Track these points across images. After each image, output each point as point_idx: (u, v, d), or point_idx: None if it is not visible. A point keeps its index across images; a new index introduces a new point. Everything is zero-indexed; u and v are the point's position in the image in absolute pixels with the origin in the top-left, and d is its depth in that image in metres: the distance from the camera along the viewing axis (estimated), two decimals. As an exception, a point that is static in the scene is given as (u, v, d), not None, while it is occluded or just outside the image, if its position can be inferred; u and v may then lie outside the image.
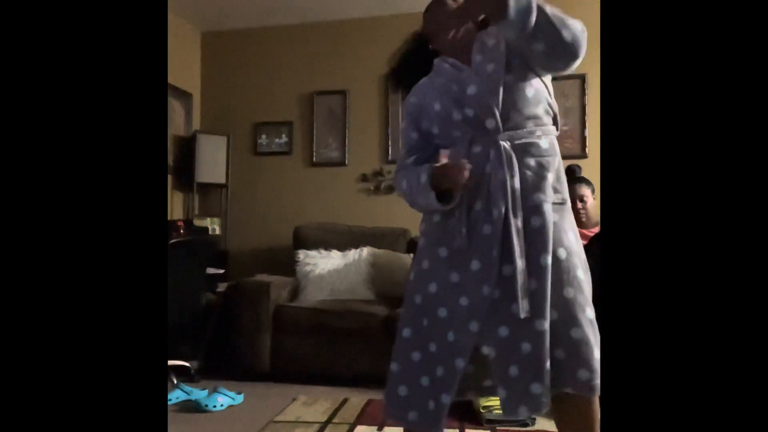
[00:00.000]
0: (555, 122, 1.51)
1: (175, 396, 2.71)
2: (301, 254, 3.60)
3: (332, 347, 3.11)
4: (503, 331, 1.31)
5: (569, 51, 1.29)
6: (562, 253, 1.33)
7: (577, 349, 1.29)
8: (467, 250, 1.35)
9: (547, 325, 1.28)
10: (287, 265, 3.70)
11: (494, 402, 2.37)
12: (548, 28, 1.24)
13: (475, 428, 2.31)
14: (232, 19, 4.25)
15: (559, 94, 3.87)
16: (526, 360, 1.28)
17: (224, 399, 2.64)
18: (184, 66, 4.24)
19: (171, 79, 3.99)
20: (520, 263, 1.29)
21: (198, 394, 2.72)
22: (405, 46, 1.60)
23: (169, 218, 3.92)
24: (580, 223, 2.80)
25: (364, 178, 4.09)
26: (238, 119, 4.35)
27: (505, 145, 1.36)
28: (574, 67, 1.38)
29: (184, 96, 4.25)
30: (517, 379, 1.29)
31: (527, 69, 1.40)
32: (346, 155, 4.11)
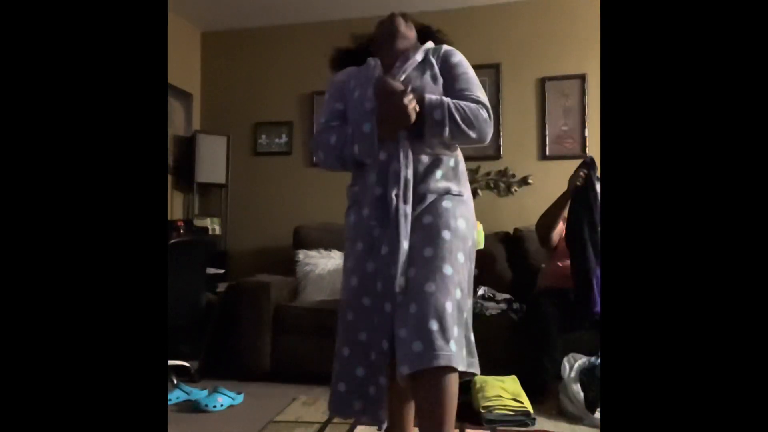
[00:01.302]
0: None
1: (175, 396, 2.71)
2: (301, 254, 3.60)
3: (332, 347, 3.10)
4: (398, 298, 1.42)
5: (474, 143, 1.55)
6: (446, 235, 1.45)
7: (424, 322, 1.35)
8: (378, 237, 1.49)
9: (415, 307, 1.36)
10: (287, 265, 3.69)
11: (494, 402, 2.37)
12: (458, 132, 1.48)
13: (475, 428, 2.30)
14: (232, 19, 4.25)
15: (559, 94, 3.91)
16: (413, 323, 1.36)
17: (224, 399, 2.64)
18: (184, 66, 4.24)
19: (171, 79, 3.99)
20: (404, 244, 1.43)
21: (198, 394, 2.72)
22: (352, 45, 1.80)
23: (169, 218, 3.91)
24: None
25: (364, 178, 4.08)
26: (238, 119, 4.35)
27: (405, 140, 1.49)
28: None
29: (184, 96, 4.25)
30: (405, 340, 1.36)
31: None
32: (346, 155, 4.11)
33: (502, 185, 3.86)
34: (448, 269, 1.41)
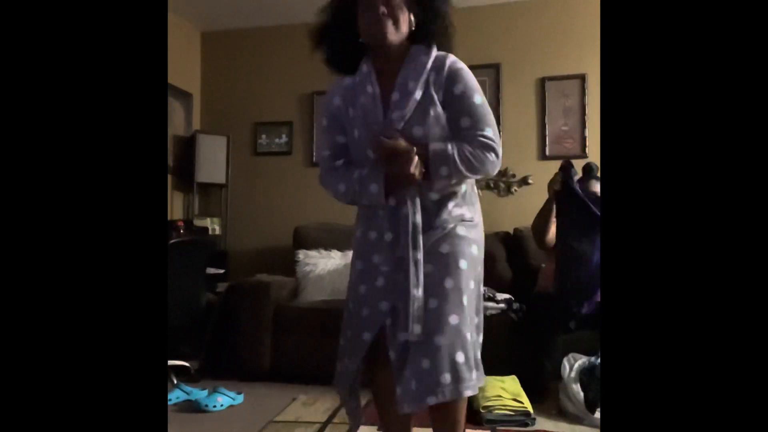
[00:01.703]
0: None
1: (175, 396, 2.71)
2: (301, 254, 3.60)
3: (332, 347, 3.08)
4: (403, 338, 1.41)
5: (481, 176, 1.51)
6: (463, 264, 1.45)
7: (452, 354, 1.38)
8: (388, 279, 1.47)
9: (443, 340, 1.37)
10: (287, 265, 3.69)
11: (494, 402, 2.37)
12: (464, 178, 1.48)
13: (475, 428, 2.30)
14: (232, 19, 4.25)
15: (559, 94, 3.91)
16: (440, 356, 1.37)
17: (224, 399, 2.64)
18: (184, 66, 4.23)
19: (171, 79, 3.99)
20: (416, 292, 1.40)
21: (198, 394, 2.72)
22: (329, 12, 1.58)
23: (169, 218, 3.91)
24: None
25: (364, 178, 4.08)
26: (238, 119, 4.35)
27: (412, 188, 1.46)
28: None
29: (184, 96, 4.25)
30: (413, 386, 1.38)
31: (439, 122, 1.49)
32: (346, 155, 4.11)
33: (502, 185, 3.86)
34: (466, 299, 1.43)
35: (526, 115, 3.90)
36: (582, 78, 3.79)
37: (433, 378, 1.35)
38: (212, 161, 4.16)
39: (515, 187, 3.82)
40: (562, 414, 2.46)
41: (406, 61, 1.50)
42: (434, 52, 1.50)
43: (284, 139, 4.27)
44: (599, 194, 2.82)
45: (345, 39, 1.53)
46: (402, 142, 1.43)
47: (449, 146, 1.43)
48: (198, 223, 4.07)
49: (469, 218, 1.52)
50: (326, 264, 3.51)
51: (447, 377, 1.36)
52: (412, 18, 1.49)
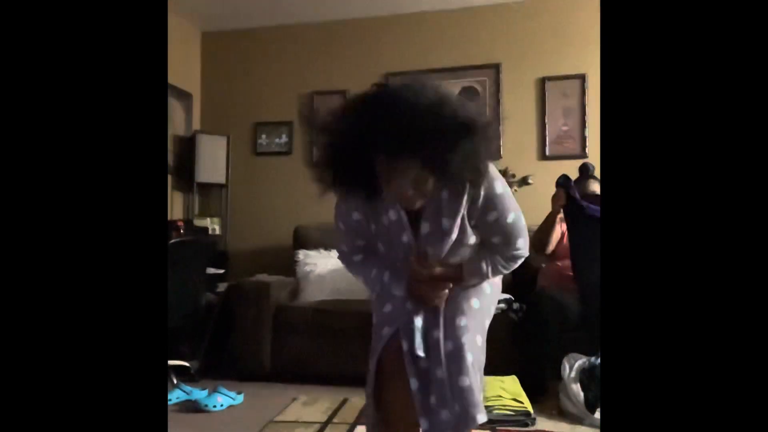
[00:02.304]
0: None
1: (175, 396, 2.71)
2: (301, 254, 3.60)
3: (332, 347, 3.11)
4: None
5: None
6: (475, 304, 1.47)
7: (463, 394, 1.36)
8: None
9: (468, 381, 1.36)
10: (287, 265, 3.69)
11: (494, 402, 2.37)
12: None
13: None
14: (232, 19, 4.25)
15: (559, 94, 3.90)
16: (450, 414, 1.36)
17: (224, 399, 2.64)
18: (184, 66, 4.23)
19: (171, 79, 3.98)
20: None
21: (198, 394, 2.72)
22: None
23: (169, 218, 3.91)
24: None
25: (364, 178, 4.08)
26: (238, 119, 4.35)
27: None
28: None
29: (184, 96, 4.25)
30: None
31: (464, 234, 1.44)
32: (346, 155, 4.11)
33: (502, 185, 3.86)
34: (480, 339, 1.46)
35: (526, 115, 3.90)
36: (582, 78, 3.79)
37: (467, 414, 1.35)
38: (212, 161, 4.16)
39: (515, 187, 3.82)
40: (562, 414, 2.46)
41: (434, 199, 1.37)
42: (467, 190, 1.36)
43: (284, 139, 4.27)
44: (598, 193, 2.83)
45: (358, 159, 1.27)
46: (435, 275, 1.44)
47: (483, 265, 1.45)
48: (198, 223, 4.07)
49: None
50: (326, 264, 3.50)
51: (475, 410, 1.35)
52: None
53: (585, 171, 2.97)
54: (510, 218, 1.42)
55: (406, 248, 1.45)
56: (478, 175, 1.31)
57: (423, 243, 1.43)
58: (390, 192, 1.30)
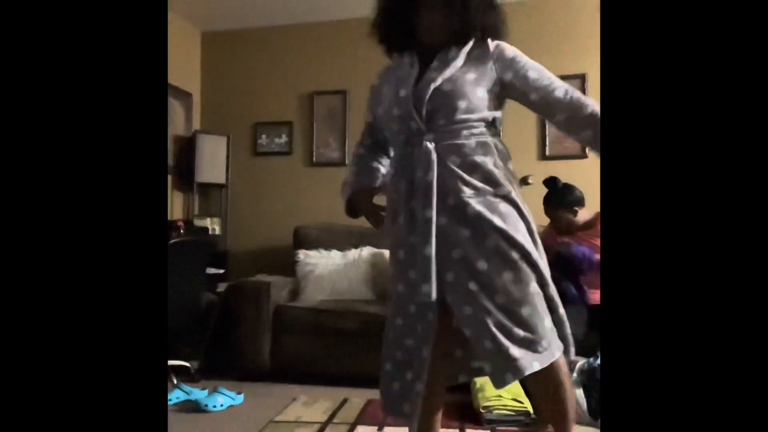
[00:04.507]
0: (491, 126, 1.59)
1: (175, 396, 2.71)
2: (301, 254, 3.60)
3: (332, 347, 3.11)
4: (467, 310, 1.41)
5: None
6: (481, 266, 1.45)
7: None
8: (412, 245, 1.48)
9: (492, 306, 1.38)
10: (287, 265, 3.69)
11: (494, 402, 2.37)
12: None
13: (475, 428, 2.30)
14: (232, 19, 4.25)
15: (559, 94, 3.86)
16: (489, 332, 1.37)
17: (224, 399, 2.64)
18: (184, 66, 4.23)
19: (171, 79, 3.99)
20: (429, 251, 1.41)
21: (198, 394, 2.72)
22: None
23: (169, 218, 3.91)
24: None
25: (364, 178, 4.08)
26: (238, 119, 4.35)
27: (429, 146, 1.45)
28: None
29: (184, 96, 4.24)
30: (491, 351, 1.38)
31: (479, 89, 1.48)
32: (346, 155, 4.11)
33: (502, 185, 3.86)
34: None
35: (526, 115, 3.88)
36: (582, 78, 3.79)
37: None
38: (212, 161, 4.16)
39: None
40: (562, 414, 2.46)
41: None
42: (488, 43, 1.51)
43: (284, 139, 4.27)
44: (572, 220, 2.83)
45: (400, 24, 1.60)
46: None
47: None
48: (198, 223, 4.07)
49: (503, 193, 1.61)
50: (326, 264, 3.51)
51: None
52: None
53: (552, 184, 2.92)
54: (533, 75, 1.50)
55: (408, 91, 1.49)
56: (496, 18, 1.50)
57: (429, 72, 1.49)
58: (421, 26, 1.50)
